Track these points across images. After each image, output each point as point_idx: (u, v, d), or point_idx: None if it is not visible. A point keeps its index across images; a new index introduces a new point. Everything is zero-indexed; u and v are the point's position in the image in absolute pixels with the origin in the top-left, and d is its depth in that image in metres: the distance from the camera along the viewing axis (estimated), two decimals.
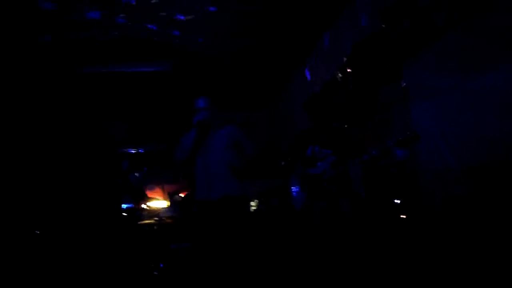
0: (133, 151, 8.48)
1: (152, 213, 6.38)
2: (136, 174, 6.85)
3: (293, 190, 3.39)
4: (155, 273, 4.78)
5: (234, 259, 3.23)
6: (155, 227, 5.72)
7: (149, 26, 4.88)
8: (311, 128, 3.47)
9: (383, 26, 3.61)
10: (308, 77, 5.47)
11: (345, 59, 3.96)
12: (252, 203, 6.01)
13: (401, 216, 3.61)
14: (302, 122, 4.98)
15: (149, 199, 6.72)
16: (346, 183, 3.27)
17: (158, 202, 6.81)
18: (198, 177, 3.41)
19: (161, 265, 4.86)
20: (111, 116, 7.45)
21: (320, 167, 3.28)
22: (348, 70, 3.85)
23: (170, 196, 6.82)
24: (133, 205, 6.24)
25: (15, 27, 4.59)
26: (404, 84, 3.73)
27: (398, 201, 3.71)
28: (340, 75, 3.99)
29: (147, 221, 5.95)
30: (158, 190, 7.36)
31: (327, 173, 3.26)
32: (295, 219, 3.98)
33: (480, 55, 2.96)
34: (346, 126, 4.33)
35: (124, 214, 5.98)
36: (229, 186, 3.32)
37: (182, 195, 6.58)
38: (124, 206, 6.03)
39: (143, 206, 6.53)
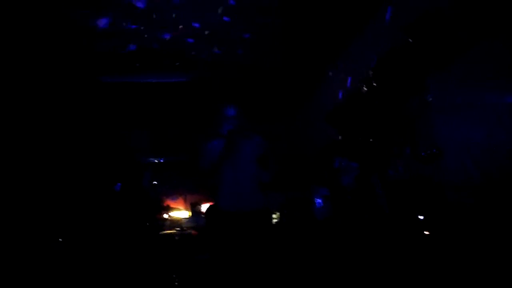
0: (154, 161, 8.58)
1: (174, 223, 6.42)
2: (155, 184, 6.93)
3: (316, 201, 3.38)
4: (176, 283, 4.80)
5: (256, 272, 3.22)
6: (176, 237, 5.76)
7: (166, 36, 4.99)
8: (339, 141, 3.47)
9: (410, 40, 3.61)
10: (333, 89, 5.49)
11: (371, 72, 3.97)
12: (274, 216, 5.98)
13: (425, 232, 3.55)
14: (325, 134, 4.98)
15: (171, 209, 6.78)
16: (370, 197, 3.25)
17: (180, 212, 6.85)
18: (224, 187, 3.41)
19: (182, 277, 4.86)
20: (132, 126, 7.54)
21: (345, 179, 3.27)
22: (374, 84, 3.86)
23: (192, 207, 6.87)
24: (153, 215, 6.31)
25: (41, 35, 4.68)
26: (430, 98, 3.71)
27: (422, 217, 3.65)
28: (365, 88, 4.00)
29: (168, 231, 6.00)
30: (180, 200, 7.42)
31: (352, 186, 3.25)
32: (317, 231, 3.96)
33: (506, 70, 2.94)
34: (371, 140, 4.31)
35: (146, 223, 6.05)
36: (255, 199, 3.33)
37: (204, 205, 6.62)
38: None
39: (165, 216, 6.59)
